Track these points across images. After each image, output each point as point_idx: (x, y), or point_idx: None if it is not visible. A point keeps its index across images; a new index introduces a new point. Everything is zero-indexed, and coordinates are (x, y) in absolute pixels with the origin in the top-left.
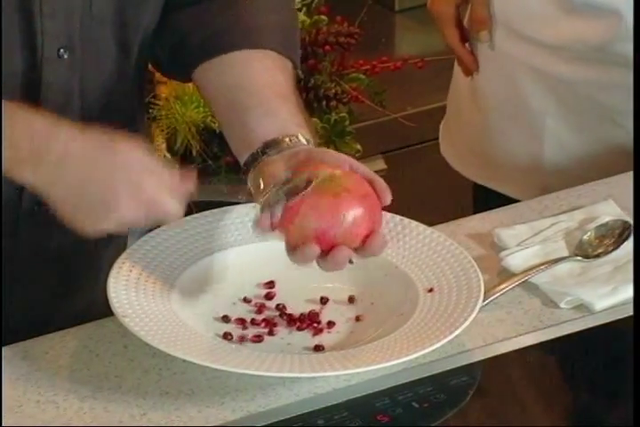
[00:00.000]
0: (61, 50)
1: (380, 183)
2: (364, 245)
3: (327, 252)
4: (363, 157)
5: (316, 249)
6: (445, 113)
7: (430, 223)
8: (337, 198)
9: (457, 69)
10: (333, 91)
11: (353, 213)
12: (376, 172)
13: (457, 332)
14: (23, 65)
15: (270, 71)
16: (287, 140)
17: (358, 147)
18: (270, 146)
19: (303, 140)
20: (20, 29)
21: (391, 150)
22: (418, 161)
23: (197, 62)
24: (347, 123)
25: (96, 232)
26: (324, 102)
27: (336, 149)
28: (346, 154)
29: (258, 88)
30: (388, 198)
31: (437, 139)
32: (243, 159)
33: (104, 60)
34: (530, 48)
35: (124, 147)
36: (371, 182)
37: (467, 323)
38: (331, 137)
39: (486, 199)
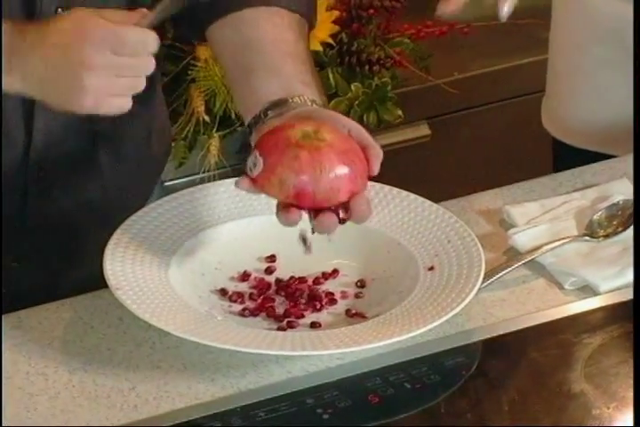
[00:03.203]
0: (59, 10)
1: (374, 151)
2: (349, 205)
3: (313, 212)
4: (406, 122)
5: (296, 215)
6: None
7: (469, 190)
8: (316, 153)
9: (553, 40)
10: (376, 55)
11: (332, 168)
12: (420, 138)
13: (453, 312)
14: None
15: (278, 28)
16: (290, 100)
17: (399, 113)
18: (272, 108)
19: (307, 101)
20: None
21: (435, 116)
22: (462, 127)
23: (208, 22)
24: (389, 88)
25: (98, 99)
26: (367, 67)
27: (377, 114)
28: (387, 120)
29: (263, 46)
30: (376, 167)
31: (482, 106)
32: (247, 121)
33: None
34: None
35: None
36: (365, 148)
37: (463, 304)
38: (372, 102)
39: (570, 157)
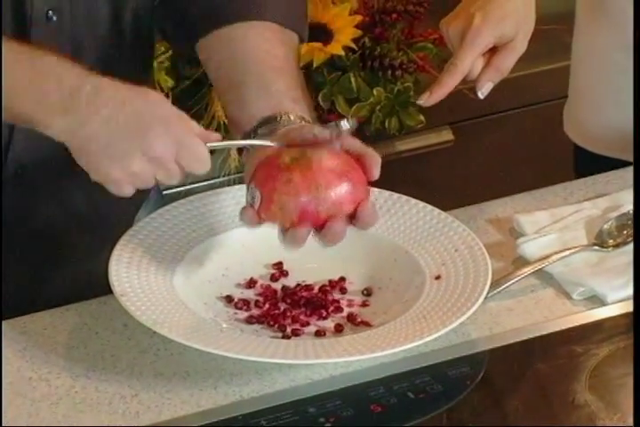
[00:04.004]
0: (50, 11)
1: (371, 157)
2: (355, 213)
3: (320, 227)
4: (429, 127)
5: (304, 231)
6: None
7: (492, 195)
8: (308, 172)
9: (575, 46)
10: (399, 60)
11: (328, 184)
12: (443, 143)
13: (458, 321)
14: (12, 28)
15: (269, 43)
16: (278, 118)
17: (421, 118)
18: (261, 126)
19: (296, 118)
20: None
21: (458, 122)
22: (485, 133)
23: (198, 36)
24: (411, 93)
25: (123, 180)
26: (390, 72)
27: (399, 119)
28: (409, 125)
29: (253, 62)
30: (374, 173)
31: (506, 111)
32: None
33: (95, 24)
34: None
35: (151, 92)
36: (362, 156)
37: (469, 313)
38: (394, 107)
39: (590, 163)
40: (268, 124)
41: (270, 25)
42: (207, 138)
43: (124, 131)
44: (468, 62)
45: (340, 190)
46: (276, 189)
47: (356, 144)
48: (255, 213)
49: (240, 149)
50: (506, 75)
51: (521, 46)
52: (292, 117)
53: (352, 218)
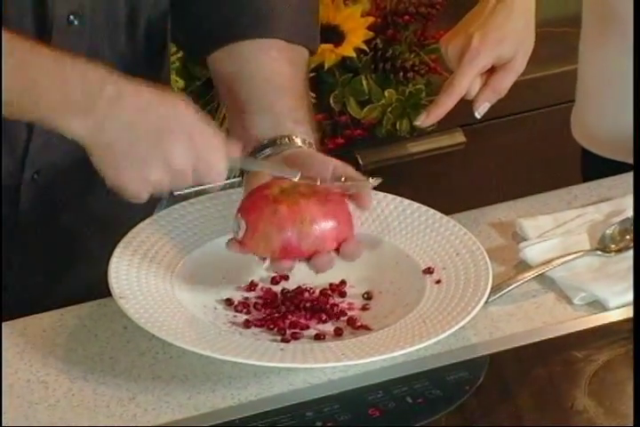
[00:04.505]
0: (71, 16)
1: (364, 187)
2: (338, 251)
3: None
4: (440, 129)
5: (288, 263)
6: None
7: (501, 198)
8: (295, 206)
9: (582, 50)
10: (411, 62)
11: (313, 219)
12: (455, 145)
13: (458, 326)
14: (33, 31)
15: (276, 62)
16: (278, 142)
17: None
18: (261, 151)
19: (297, 141)
20: None
21: (470, 124)
22: (498, 135)
23: (209, 50)
24: (422, 95)
25: (140, 187)
26: (401, 73)
27: (410, 121)
28: (420, 127)
29: (258, 82)
30: (366, 202)
31: (518, 113)
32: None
33: (113, 30)
34: None
35: (176, 99)
36: (355, 185)
37: (469, 317)
38: (405, 109)
39: (597, 167)
40: (267, 149)
41: (278, 42)
42: (228, 151)
43: (145, 138)
44: (466, 83)
45: (325, 227)
46: (262, 218)
47: (351, 171)
48: (240, 247)
49: (242, 171)
50: (503, 95)
51: (519, 66)
52: (293, 139)
53: (337, 252)
